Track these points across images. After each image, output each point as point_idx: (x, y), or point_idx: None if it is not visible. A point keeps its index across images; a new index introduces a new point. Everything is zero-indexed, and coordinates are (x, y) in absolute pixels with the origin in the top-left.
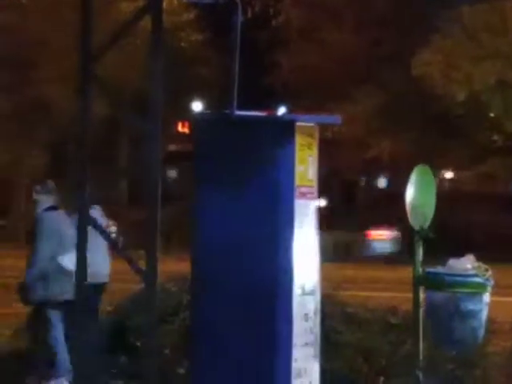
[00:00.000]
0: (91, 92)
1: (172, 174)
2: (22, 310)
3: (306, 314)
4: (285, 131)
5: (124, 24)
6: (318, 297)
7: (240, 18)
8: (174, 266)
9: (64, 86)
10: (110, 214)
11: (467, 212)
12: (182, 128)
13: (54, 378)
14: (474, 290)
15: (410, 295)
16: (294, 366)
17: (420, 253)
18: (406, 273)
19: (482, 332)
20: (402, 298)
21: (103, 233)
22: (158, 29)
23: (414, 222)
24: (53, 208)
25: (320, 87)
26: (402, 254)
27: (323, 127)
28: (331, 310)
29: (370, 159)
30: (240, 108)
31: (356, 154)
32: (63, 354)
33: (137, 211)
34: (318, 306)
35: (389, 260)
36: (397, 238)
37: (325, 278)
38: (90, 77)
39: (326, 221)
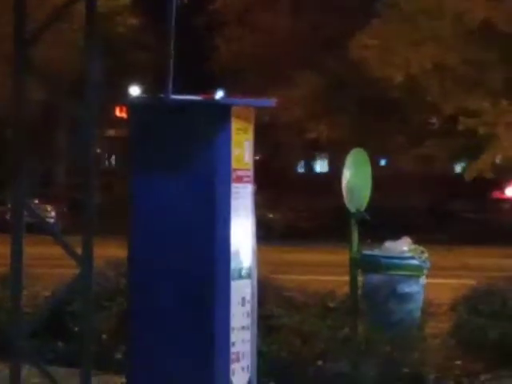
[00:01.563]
0: (26, 77)
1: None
2: None
3: (243, 298)
4: (221, 115)
5: (58, 8)
6: (254, 280)
7: (175, 2)
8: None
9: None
10: (48, 197)
11: (405, 194)
12: (120, 113)
13: None
14: (410, 273)
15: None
16: (232, 349)
17: (356, 235)
18: None
19: (418, 314)
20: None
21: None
22: (92, 13)
23: (350, 204)
24: None
25: (259, 71)
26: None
27: (261, 111)
28: (269, 293)
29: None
30: (179, 92)
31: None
32: None
33: (75, 193)
34: (255, 290)
35: None
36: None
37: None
38: (24, 62)
39: None
